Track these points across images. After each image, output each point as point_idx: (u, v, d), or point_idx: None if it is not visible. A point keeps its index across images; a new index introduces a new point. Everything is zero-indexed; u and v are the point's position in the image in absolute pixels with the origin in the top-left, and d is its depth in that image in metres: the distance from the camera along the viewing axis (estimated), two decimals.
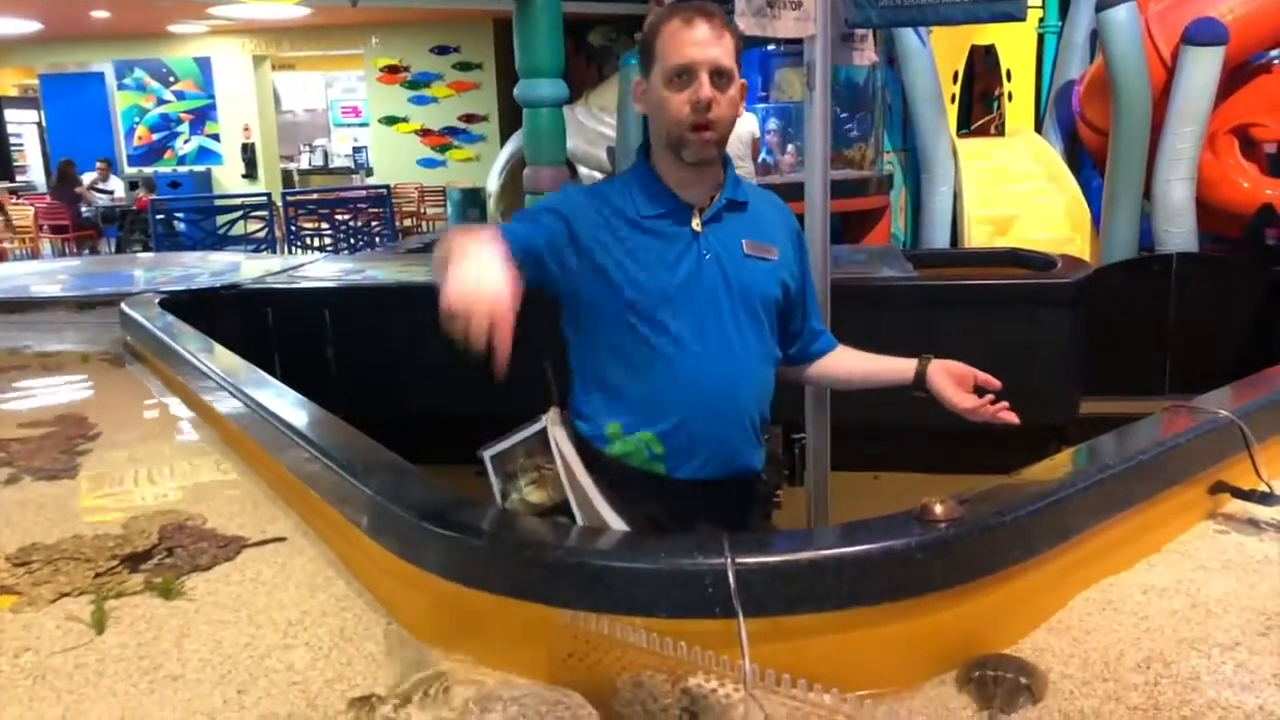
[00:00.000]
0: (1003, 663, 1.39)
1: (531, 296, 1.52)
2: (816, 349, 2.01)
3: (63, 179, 13.40)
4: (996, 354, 4.36)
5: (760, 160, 8.53)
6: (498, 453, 1.86)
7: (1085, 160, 9.58)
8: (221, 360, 2.95)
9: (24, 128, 18.57)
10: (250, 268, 5.57)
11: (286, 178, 17.87)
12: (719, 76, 1.69)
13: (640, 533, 1.71)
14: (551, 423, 1.84)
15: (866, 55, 3.18)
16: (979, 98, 12.30)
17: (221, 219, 12.18)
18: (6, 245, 12.68)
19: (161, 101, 17.04)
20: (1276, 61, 8.61)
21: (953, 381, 1.81)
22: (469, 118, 16.30)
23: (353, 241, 12.30)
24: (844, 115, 9.07)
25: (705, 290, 1.76)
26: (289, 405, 2.34)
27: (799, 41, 2.70)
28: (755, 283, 1.80)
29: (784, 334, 1.93)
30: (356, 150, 18.93)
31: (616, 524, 1.75)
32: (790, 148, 9.34)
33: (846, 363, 2.01)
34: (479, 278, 1.40)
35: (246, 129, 16.83)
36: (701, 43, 1.68)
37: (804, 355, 2.01)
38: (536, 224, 1.76)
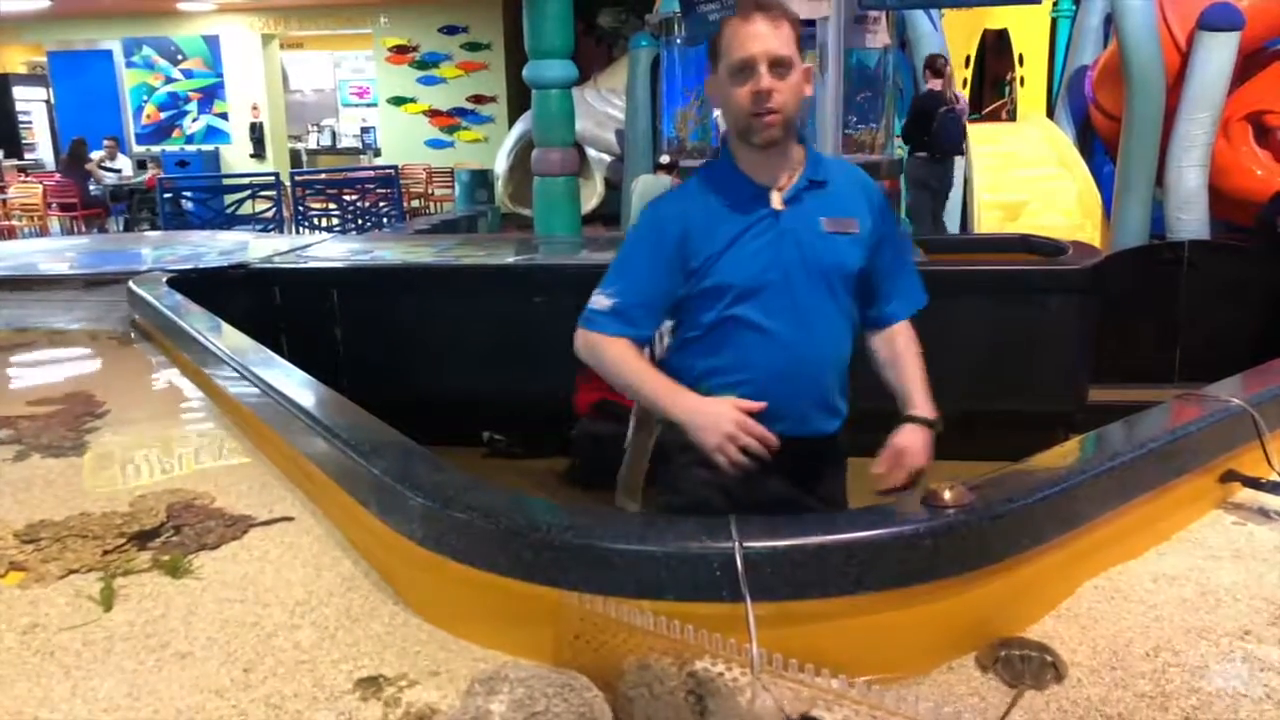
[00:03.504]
0: (1024, 643, 1.42)
1: None
2: (882, 320, 2.06)
3: (74, 157, 13.39)
4: (1006, 340, 4.40)
5: None
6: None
7: (1097, 146, 9.52)
8: (229, 339, 2.95)
9: (33, 105, 18.56)
10: (258, 247, 5.57)
11: (294, 157, 17.87)
12: (778, 66, 1.79)
13: (658, 511, 1.71)
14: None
15: (879, 38, 3.16)
16: (991, 82, 12.24)
17: (229, 198, 12.19)
18: (15, 223, 12.69)
19: (170, 80, 17.04)
20: None
21: (900, 456, 1.90)
22: (477, 99, 16.27)
23: (360, 222, 12.30)
24: (855, 98, 9.01)
25: (783, 270, 1.86)
26: (296, 385, 2.34)
27: (811, 23, 2.69)
28: (834, 258, 1.89)
29: (863, 299, 2.01)
30: (364, 131, 18.90)
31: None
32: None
33: (883, 356, 2.06)
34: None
35: (255, 108, 16.82)
36: (758, 36, 1.78)
37: (871, 324, 2.06)
38: (655, 278, 1.91)
